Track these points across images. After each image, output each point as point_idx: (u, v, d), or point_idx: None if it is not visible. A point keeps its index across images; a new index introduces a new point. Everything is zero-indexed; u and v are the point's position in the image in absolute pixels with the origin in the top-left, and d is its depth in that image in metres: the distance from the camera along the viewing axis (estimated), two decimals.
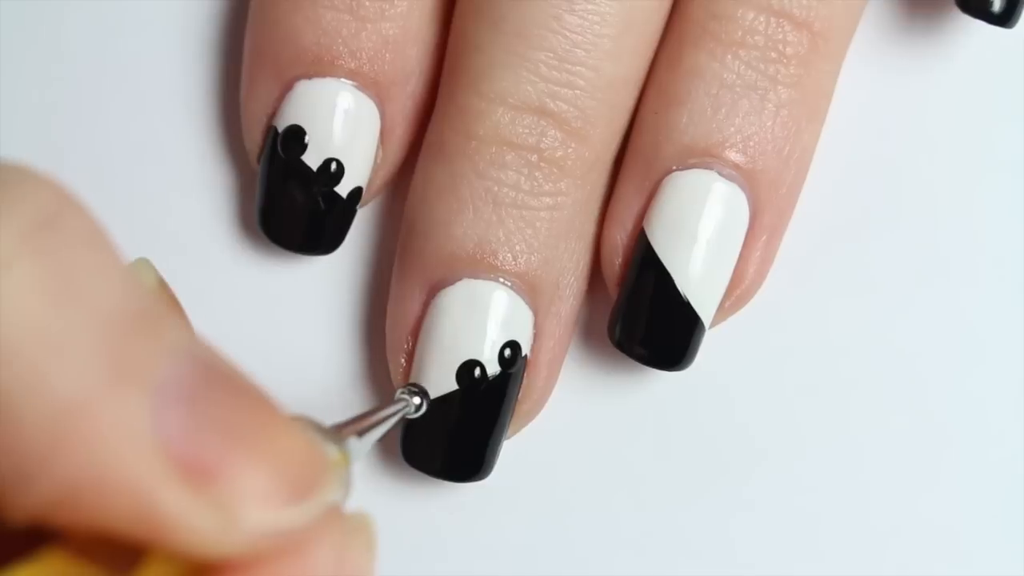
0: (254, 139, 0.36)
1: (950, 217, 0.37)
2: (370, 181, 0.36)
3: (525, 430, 0.36)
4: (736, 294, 0.35)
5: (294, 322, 0.37)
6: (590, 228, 0.36)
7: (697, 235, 0.34)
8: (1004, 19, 0.34)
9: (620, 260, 0.35)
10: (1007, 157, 0.37)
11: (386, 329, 0.36)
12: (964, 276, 0.37)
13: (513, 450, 0.36)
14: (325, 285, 0.37)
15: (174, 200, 0.37)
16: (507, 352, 0.34)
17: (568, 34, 0.34)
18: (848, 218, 0.37)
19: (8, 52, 0.37)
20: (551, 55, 0.34)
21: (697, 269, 0.34)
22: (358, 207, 0.36)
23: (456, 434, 0.35)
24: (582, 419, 0.37)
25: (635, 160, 0.35)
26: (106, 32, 0.37)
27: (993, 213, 0.37)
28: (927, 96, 0.37)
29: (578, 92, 0.34)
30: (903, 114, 0.37)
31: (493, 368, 0.34)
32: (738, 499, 0.36)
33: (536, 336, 0.35)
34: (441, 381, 0.34)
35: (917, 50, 0.37)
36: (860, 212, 0.37)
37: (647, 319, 0.35)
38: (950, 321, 0.37)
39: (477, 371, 0.34)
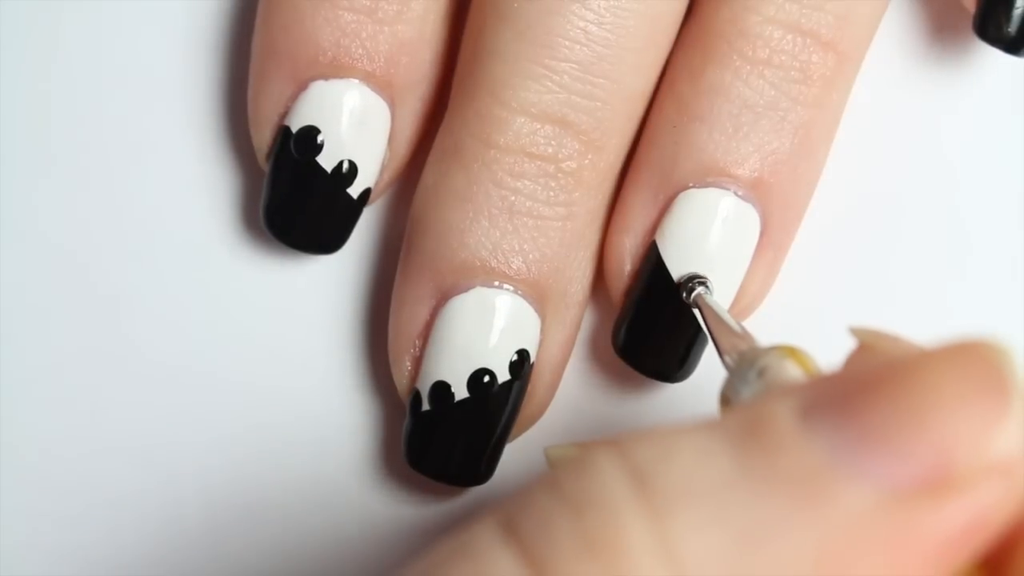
0: (264, 138, 0.35)
1: (948, 219, 0.37)
2: (376, 182, 0.36)
3: (526, 434, 0.36)
4: (738, 308, 0.35)
5: (296, 320, 0.37)
6: (596, 237, 0.35)
7: (709, 252, 0.34)
8: (1017, 47, 0.35)
9: (629, 269, 0.35)
10: (1005, 163, 0.37)
11: (389, 330, 0.36)
12: (960, 277, 0.37)
13: (514, 455, 0.36)
14: (328, 283, 0.37)
15: (175, 198, 0.37)
16: (517, 360, 0.34)
17: (595, 47, 0.34)
18: (846, 221, 0.37)
19: (8, 52, 0.37)
20: (576, 66, 0.34)
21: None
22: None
23: (460, 440, 0.35)
24: (583, 422, 0.37)
25: (650, 171, 0.35)
26: (107, 31, 0.37)
27: (993, 218, 0.37)
28: (931, 102, 0.37)
29: (598, 103, 0.34)
30: (903, 120, 0.37)
31: (503, 376, 0.34)
32: None
33: (541, 342, 0.35)
34: (452, 388, 0.34)
35: (916, 58, 0.37)
36: (858, 215, 0.37)
37: (651, 330, 0.35)
38: (947, 322, 0.37)
39: (487, 379, 0.34)
